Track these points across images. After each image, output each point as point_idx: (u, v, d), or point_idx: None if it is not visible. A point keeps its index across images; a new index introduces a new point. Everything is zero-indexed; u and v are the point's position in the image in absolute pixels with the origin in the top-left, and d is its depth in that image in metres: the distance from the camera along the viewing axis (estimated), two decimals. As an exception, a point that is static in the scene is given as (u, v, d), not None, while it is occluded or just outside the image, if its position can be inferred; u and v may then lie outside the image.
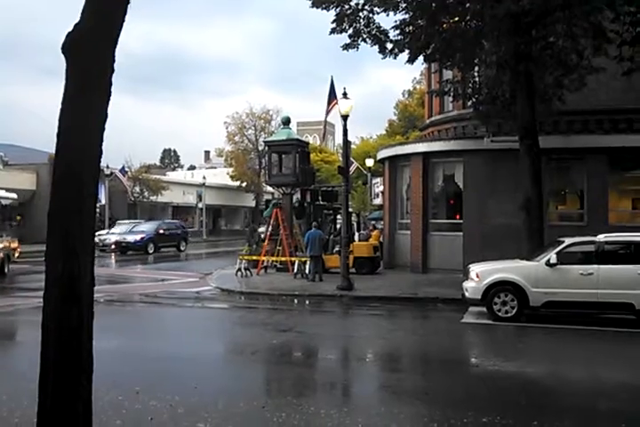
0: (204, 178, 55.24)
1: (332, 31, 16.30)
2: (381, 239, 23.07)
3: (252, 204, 61.06)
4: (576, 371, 8.40)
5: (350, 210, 24.20)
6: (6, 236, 21.31)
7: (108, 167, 40.23)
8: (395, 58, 16.51)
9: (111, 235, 34.01)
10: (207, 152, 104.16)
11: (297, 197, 23.38)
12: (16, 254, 22.68)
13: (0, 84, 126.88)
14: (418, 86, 59.25)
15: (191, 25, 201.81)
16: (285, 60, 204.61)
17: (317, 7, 15.92)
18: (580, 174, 18.88)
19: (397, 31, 16.10)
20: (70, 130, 3.96)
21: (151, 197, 49.66)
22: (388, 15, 16.02)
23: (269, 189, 39.86)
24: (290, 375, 8.31)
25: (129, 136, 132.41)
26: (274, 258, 21.22)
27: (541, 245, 13.98)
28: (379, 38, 16.29)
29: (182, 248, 36.49)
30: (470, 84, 17.62)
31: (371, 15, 16.14)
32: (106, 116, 4.07)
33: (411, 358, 9.90)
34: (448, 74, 20.06)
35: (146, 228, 34.66)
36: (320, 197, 23.61)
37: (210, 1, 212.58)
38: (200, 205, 54.72)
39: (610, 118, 18.83)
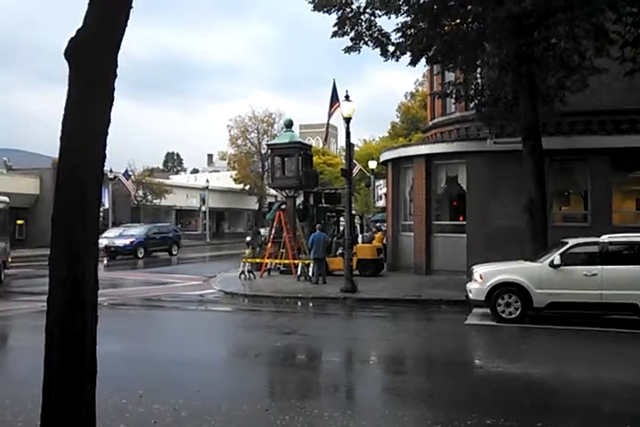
0: (207, 181, 55.26)
1: (334, 34, 16.33)
2: (385, 241, 23.07)
3: (256, 207, 61.08)
4: (580, 372, 8.38)
5: (353, 212, 24.21)
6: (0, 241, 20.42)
7: (111, 171, 40.28)
8: (397, 60, 16.54)
9: (103, 239, 33.41)
10: (210, 155, 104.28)
11: (300, 199, 23.39)
12: (9, 259, 21.70)
13: (1, 90, 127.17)
14: (420, 88, 59.24)
15: (194, 30, 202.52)
16: (287, 63, 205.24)
17: (319, 10, 15.95)
18: (584, 175, 18.85)
19: (399, 34, 16.12)
20: (73, 134, 3.99)
21: (154, 201, 49.70)
22: (389, 18, 16.05)
23: (272, 191, 39.84)
24: (293, 378, 8.31)
25: (132, 140, 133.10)
26: (277, 260, 21.23)
27: (545, 246, 13.96)
28: (380, 41, 16.31)
29: (174, 252, 35.37)
30: (472, 86, 17.63)
31: (372, 18, 16.16)
32: (109, 120, 4.09)
33: (414, 361, 9.90)
34: (450, 76, 20.05)
35: (136, 232, 33.58)
36: (323, 200, 23.61)
37: (212, 6, 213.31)
38: (203, 209, 54.72)
39: (612, 119, 18.80)
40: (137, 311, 15.12)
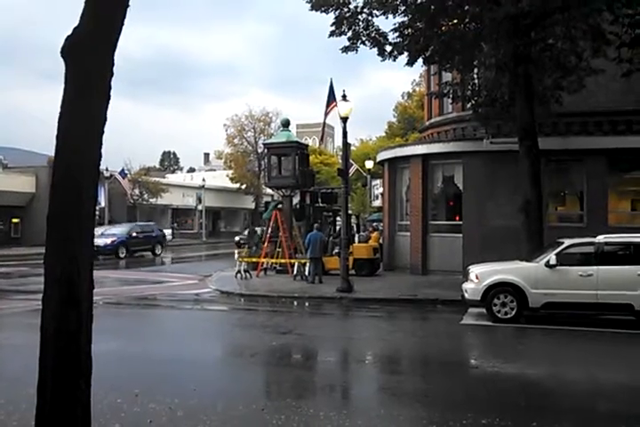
0: (204, 180, 55.27)
1: (332, 34, 16.33)
2: (381, 241, 23.08)
3: (252, 206, 61.09)
4: (575, 372, 8.40)
5: (350, 212, 24.22)
6: None
7: (107, 170, 40.24)
8: (394, 60, 16.57)
9: None
10: (207, 154, 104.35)
11: (296, 199, 23.39)
12: None
13: (0, 89, 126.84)
14: (417, 88, 59.32)
15: (191, 29, 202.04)
16: (285, 62, 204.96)
17: (316, 10, 15.96)
18: (580, 176, 18.90)
19: (396, 34, 16.14)
20: (69, 133, 3.97)
21: (151, 200, 49.68)
22: (387, 18, 16.07)
23: (269, 191, 39.87)
24: (289, 378, 8.30)
25: (128, 139, 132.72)
26: (273, 260, 21.23)
27: (541, 246, 13.99)
28: (378, 41, 16.33)
29: (158, 252, 34.69)
30: (469, 86, 17.66)
31: (370, 18, 16.19)
32: (105, 119, 4.08)
33: (410, 360, 9.90)
34: (447, 76, 20.09)
35: (117, 231, 32.80)
36: (320, 199, 23.63)
37: (209, 5, 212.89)
38: (200, 208, 54.73)
39: (609, 120, 18.84)
40: (132, 310, 15.09)
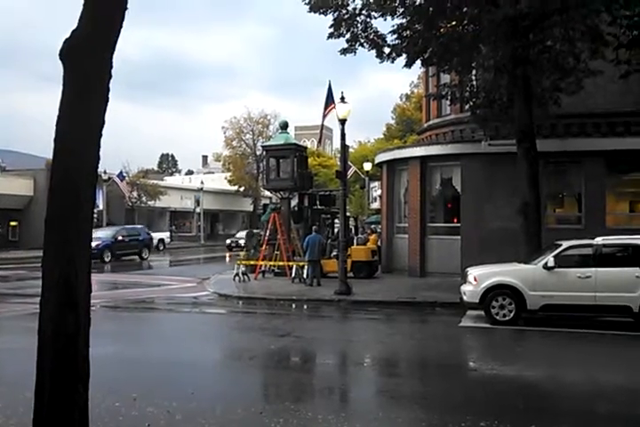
0: (202, 183, 55.24)
1: (330, 36, 16.34)
2: (379, 243, 23.06)
3: (250, 208, 61.06)
4: (574, 374, 8.39)
5: (348, 214, 24.20)
6: None
7: (105, 173, 40.19)
8: (392, 62, 16.58)
9: None
10: (205, 157, 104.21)
11: (295, 201, 23.37)
12: None
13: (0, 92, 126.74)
14: (415, 90, 59.34)
15: (190, 31, 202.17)
16: (283, 65, 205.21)
17: (315, 12, 15.96)
18: (578, 177, 18.91)
19: (395, 35, 16.14)
20: (68, 136, 3.97)
21: (149, 202, 49.65)
22: (385, 20, 16.10)
23: (267, 193, 39.79)
24: (288, 381, 8.29)
25: (127, 141, 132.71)
26: (272, 263, 21.20)
27: (539, 248, 13.98)
28: (376, 43, 16.34)
29: (145, 256, 33.82)
30: (468, 88, 17.65)
31: (368, 20, 16.19)
32: (103, 121, 4.08)
33: (409, 363, 9.89)
34: (446, 78, 20.09)
35: (103, 234, 31.60)
36: (318, 202, 23.62)
37: (208, 7, 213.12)
38: (198, 210, 54.68)
39: (607, 121, 18.86)
40: (130, 314, 15.06)
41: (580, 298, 11.67)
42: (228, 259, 34.51)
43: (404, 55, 16.31)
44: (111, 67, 4.06)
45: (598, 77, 15.17)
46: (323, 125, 21.86)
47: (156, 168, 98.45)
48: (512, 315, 12.08)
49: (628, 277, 11.56)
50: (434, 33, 15.82)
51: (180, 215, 57.99)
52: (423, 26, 15.73)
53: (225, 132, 60.48)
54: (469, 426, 5.96)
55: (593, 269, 11.75)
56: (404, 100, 63.92)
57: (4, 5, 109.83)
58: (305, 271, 19.02)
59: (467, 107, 18.49)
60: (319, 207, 23.81)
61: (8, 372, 8.49)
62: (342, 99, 17.25)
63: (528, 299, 12.00)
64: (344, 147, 18.25)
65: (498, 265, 13.26)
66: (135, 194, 48.57)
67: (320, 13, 15.99)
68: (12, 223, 42.64)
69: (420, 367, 9.48)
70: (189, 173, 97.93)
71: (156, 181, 53.71)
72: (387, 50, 16.37)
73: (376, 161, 25.22)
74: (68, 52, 3.94)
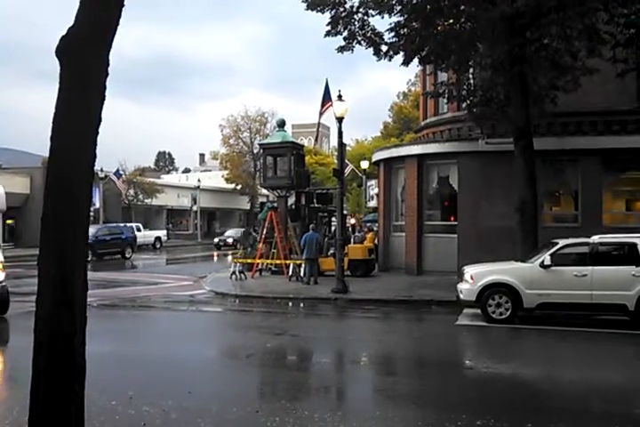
0: (199, 181, 55.18)
1: (327, 34, 16.32)
2: (376, 242, 23.07)
3: (247, 206, 61.04)
4: (570, 373, 8.40)
5: (345, 212, 24.19)
6: None
7: (102, 170, 40.12)
8: (390, 60, 16.55)
9: None
10: (202, 155, 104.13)
11: (292, 199, 23.37)
12: None
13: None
14: (413, 88, 59.34)
15: (187, 29, 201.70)
16: (281, 62, 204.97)
17: (312, 10, 15.95)
18: (575, 176, 18.95)
19: (392, 33, 16.13)
20: (64, 133, 3.95)
21: (146, 200, 49.58)
22: (382, 18, 16.06)
23: (264, 191, 39.78)
24: (284, 379, 8.28)
25: (123, 139, 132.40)
26: (269, 261, 21.20)
27: (535, 246, 14.00)
28: (373, 41, 16.32)
29: (128, 255, 33.07)
30: (465, 86, 17.65)
31: (365, 18, 16.17)
32: (100, 119, 4.06)
33: (405, 361, 9.89)
34: (443, 76, 20.07)
35: None
36: (315, 200, 23.60)
37: (206, 5, 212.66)
38: (195, 208, 54.65)
39: (604, 120, 18.88)
40: (127, 312, 15.04)
41: (576, 296, 11.69)
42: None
43: (402, 53, 16.30)
44: (108, 64, 4.04)
45: (595, 76, 15.16)
46: (319, 123, 21.88)
47: (152, 166, 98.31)
48: (508, 313, 12.10)
49: (624, 276, 11.58)
50: (431, 31, 15.81)
51: (176, 213, 57.97)
52: (420, 24, 15.71)
53: (222, 130, 60.53)
54: (466, 424, 5.96)
55: (589, 267, 11.77)
56: (401, 98, 63.96)
57: (0, 2, 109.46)
58: (302, 269, 19.02)
59: (464, 105, 18.49)
60: (316, 205, 23.79)
61: (3, 370, 8.47)
62: (340, 97, 17.24)
63: (524, 297, 12.02)
64: (341, 145, 18.25)
65: (494, 263, 13.28)
66: (132, 192, 48.50)
67: (317, 11, 15.97)
68: (9, 221, 42.51)
69: (417, 366, 9.49)
70: (186, 171, 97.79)
71: (152, 179, 53.62)
72: (384, 48, 16.36)
73: (373, 159, 25.22)
74: (65, 50, 3.92)
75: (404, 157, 21.41)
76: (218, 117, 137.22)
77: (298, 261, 19.60)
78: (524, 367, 8.72)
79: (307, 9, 15.97)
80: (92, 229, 32.03)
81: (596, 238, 12.07)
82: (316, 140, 57.92)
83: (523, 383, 7.93)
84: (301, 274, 19.03)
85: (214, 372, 8.87)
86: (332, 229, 24.63)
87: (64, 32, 3.93)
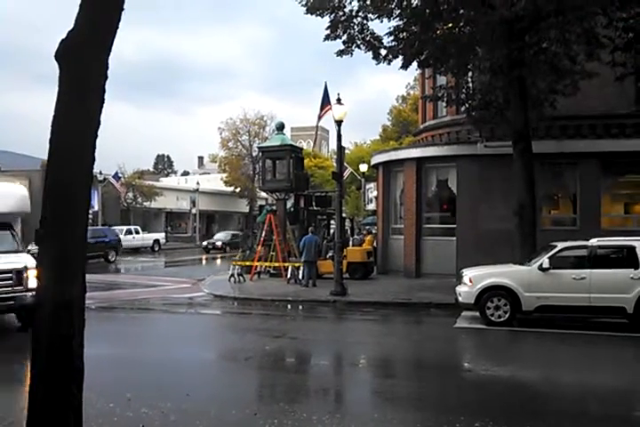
0: (198, 184, 55.18)
1: (327, 37, 16.34)
2: (375, 244, 23.09)
3: (246, 209, 60.99)
4: (568, 375, 8.41)
5: (344, 215, 24.21)
6: None
7: (101, 173, 40.12)
8: (389, 64, 16.56)
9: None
10: (201, 158, 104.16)
11: (291, 202, 23.39)
12: None
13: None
14: (412, 92, 59.36)
15: (186, 32, 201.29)
16: (280, 66, 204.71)
17: (312, 14, 15.96)
18: (573, 179, 18.98)
19: (391, 37, 16.14)
20: (63, 136, 3.96)
21: (144, 203, 49.57)
22: (381, 22, 16.10)
23: (263, 194, 39.85)
24: (283, 382, 8.29)
25: (122, 142, 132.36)
26: (267, 263, 21.20)
27: (534, 249, 14.01)
28: (373, 44, 16.34)
29: (112, 259, 31.85)
30: (464, 90, 17.70)
31: (365, 22, 16.19)
32: (99, 122, 4.07)
33: (404, 364, 9.89)
34: (442, 79, 20.14)
35: None
36: (314, 203, 23.63)
37: (205, 9, 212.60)
38: (193, 211, 54.63)
39: (602, 123, 18.93)
40: (125, 314, 15.03)
41: (574, 299, 11.70)
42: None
43: (401, 57, 16.31)
44: (107, 67, 4.06)
45: (594, 79, 15.21)
46: (318, 127, 21.90)
47: (151, 169, 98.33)
48: (507, 316, 12.11)
49: (623, 279, 11.59)
50: (430, 35, 15.84)
51: (175, 216, 57.92)
52: (419, 28, 15.73)
53: (221, 134, 60.47)
54: (464, 427, 5.97)
55: (588, 270, 11.78)
56: (400, 101, 63.97)
57: (0, 5, 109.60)
58: (301, 272, 19.03)
59: (463, 108, 18.52)
60: (315, 208, 23.81)
61: (2, 372, 8.46)
62: (339, 100, 17.27)
63: (523, 300, 12.02)
64: (340, 148, 18.28)
65: (493, 266, 13.29)
66: (131, 195, 48.49)
67: (317, 15, 16.00)
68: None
69: (416, 368, 9.49)
70: (185, 173, 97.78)
71: (151, 182, 53.60)
72: (383, 52, 16.37)
73: (372, 162, 25.25)
74: (64, 53, 3.94)
75: (402, 160, 21.44)
76: (217, 120, 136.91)
77: (296, 264, 19.60)
78: (523, 370, 8.73)
79: (306, 13, 15.99)
80: None
81: (594, 241, 12.08)
82: (314, 143, 58.00)
83: (521, 386, 7.94)
84: (300, 277, 19.03)
85: (213, 374, 8.87)
86: (331, 231, 24.65)
87: (64, 36, 3.95)
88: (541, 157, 16.73)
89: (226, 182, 59.43)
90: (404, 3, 15.61)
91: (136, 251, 39.66)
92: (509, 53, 14.04)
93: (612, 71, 14.98)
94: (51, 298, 3.90)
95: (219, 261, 34.42)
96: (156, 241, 43.11)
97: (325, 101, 18.82)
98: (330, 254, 19.88)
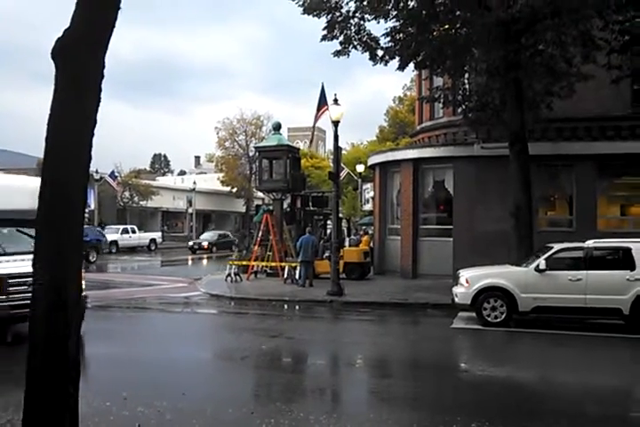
0: (195, 183, 55.18)
1: (324, 38, 16.35)
2: (372, 245, 23.09)
3: (243, 209, 61.02)
4: (564, 376, 8.42)
5: (340, 215, 24.22)
6: None
7: (97, 172, 40.07)
8: (385, 65, 16.58)
9: None
10: (197, 157, 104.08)
11: (287, 202, 23.39)
12: None
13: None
14: (408, 93, 59.45)
15: (183, 32, 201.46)
16: (277, 66, 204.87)
17: (309, 14, 15.97)
18: (569, 181, 19.01)
19: (388, 38, 16.17)
20: (59, 135, 3.96)
21: (141, 202, 49.53)
22: (378, 22, 16.10)
23: (260, 194, 39.77)
24: (279, 381, 8.29)
25: (119, 141, 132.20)
26: (264, 263, 21.20)
27: (530, 250, 14.04)
28: (369, 45, 16.36)
29: (92, 259, 30.75)
30: (460, 91, 17.73)
31: (361, 22, 16.20)
32: (95, 121, 4.07)
33: (400, 364, 9.90)
34: (438, 81, 20.16)
35: None
36: (310, 203, 23.62)
37: (202, 8, 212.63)
38: (190, 211, 54.62)
39: (598, 125, 18.98)
40: (122, 313, 15.00)
41: (570, 300, 11.72)
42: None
43: (397, 58, 16.33)
44: (104, 66, 4.05)
45: (590, 82, 15.24)
46: (314, 127, 21.86)
47: (148, 168, 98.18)
48: (503, 317, 12.13)
49: (619, 280, 11.62)
50: (427, 36, 15.85)
51: (172, 215, 57.92)
52: (416, 29, 15.76)
53: (218, 133, 60.47)
54: (459, 427, 5.98)
55: (584, 271, 11.81)
56: (396, 102, 64.01)
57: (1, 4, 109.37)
58: (297, 272, 19.03)
59: (459, 110, 18.55)
60: (312, 208, 23.80)
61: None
62: (335, 101, 17.28)
63: (519, 301, 12.04)
64: (337, 148, 18.28)
65: (489, 267, 13.31)
66: (127, 194, 48.44)
67: (314, 16, 16.00)
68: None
69: (412, 368, 9.49)
70: (182, 173, 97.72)
71: (148, 182, 53.58)
72: (380, 52, 16.38)
73: (369, 163, 25.27)
74: (61, 52, 3.94)
75: (399, 160, 21.45)
76: (214, 120, 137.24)
77: (293, 264, 19.60)
78: (519, 371, 8.75)
79: (303, 13, 16.00)
80: None
81: (590, 243, 12.11)
82: (310, 143, 57.93)
83: (517, 386, 7.96)
84: (297, 276, 19.03)
85: (209, 373, 8.86)
86: (328, 231, 24.65)
87: (61, 34, 3.95)
88: (537, 159, 16.75)
89: (222, 182, 59.45)
90: (401, 4, 15.63)
91: (132, 250, 39.64)
92: (506, 55, 14.07)
93: (608, 74, 15.03)
94: (46, 298, 3.89)
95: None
96: (153, 240, 43.11)
97: (322, 102, 18.82)
98: (326, 254, 19.88)
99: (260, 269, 21.71)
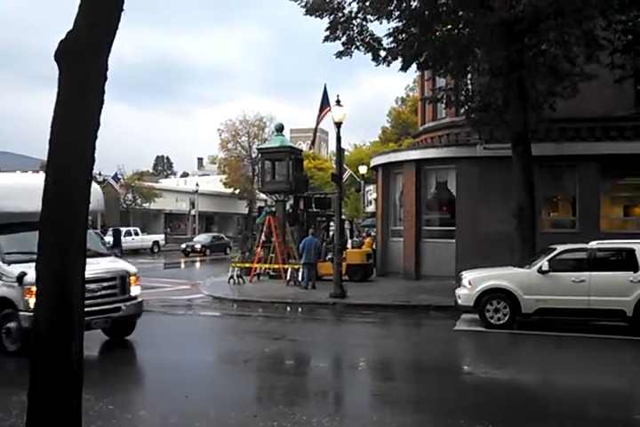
0: (197, 185, 55.20)
1: (326, 39, 16.35)
2: (374, 246, 23.07)
3: (245, 211, 61.00)
4: (568, 378, 8.39)
5: (343, 217, 24.21)
6: None
7: (100, 174, 40.10)
8: (388, 65, 16.57)
9: None
10: (200, 159, 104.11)
11: (290, 204, 23.39)
12: None
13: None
14: (411, 94, 59.44)
15: (186, 33, 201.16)
16: (280, 67, 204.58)
17: (311, 15, 15.97)
18: (572, 181, 18.97)
19: (391, 39, 16.17)
20: (62, 137, 3.95)
21: (144, 205, 49.54)
22: (381, 23, 16.10)
23: (262, 196, 39.78)
24: (282, 384, 8.26)
25: (122, 143, 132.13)
26: (267, 265, 21.18)
27: (533, 252, 14.00)
28: (372, 46, 16.35)
29: None
30: (463, 92, 17.69)
31: (364, 23, 16.20)
32: (98, 123, 4.06)
33: (403, 366, 9.87)
34: (441, 81, 20.13)
35: None
36: (313, 205, 23.62)
37: (205, 10, 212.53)
38: (193, 212, 54.63)
39: (601, 126, 18.92)
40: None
41: (574, 302, 11.68)
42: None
43: (400, 59, 16.31)
44: (107, 68, 4.05)
45: (593, 82, 15.20)
46: (317, 128, 21.86)
47: (151, 170, 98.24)
48: (506, 318, 12.09)
49: (622, 282, 11.57)
50: (429, 36, 15.85)
51: (175, 217, 57.92)
52: (419, 29, 15.75)
53: (220, 135, 60.54)
54: (463, 430, 5.95)
55: (587, 273, 11.76)
56: (399, 103, 64.02)
57: (0, 6, 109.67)
58: (300, 274, 19.01)
59: (462, 110, 18.52)
60: (314, 210, 23.79)
61: (1, 374, 8.45)
62: (338, 102, 17.25)
63: (522, 303, 12.00)
64: (339, 150, 18.26)
65: (492, 269, 13.26)
66: (130, 196, 48.47)
67: (316, 16, 16.00)
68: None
69: (415, 371, 9.47)
70: (185, 175, 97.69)
71: (151, 184, 53.60)
72: (382, 53, 16.37)
73: (371, 164, 25.25)
74: (64, 54, 3.93)
75: (402, 162, 21.43)
76: (216, 122, 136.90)
77: (296, 266, 19.59)
78: (522, 373, 8.71)
79: (305, 14, 16.00)
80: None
81: (593, 244, 12.07)
82: (312, 144, 57.90)
83: (521, 389, 7.92)
84: (299, 278, 19.01)
85: (212, 376, 8.85)
86: (330, 233, 24.63)
87: (63, 36, 3.94)
88: (540, 160, 16.71)
89: (225, 184, 59.46)
90: (404, 4, 15.63)
91: (135, 252, 39.62)
92: (508, 55, 14.04)
93: (611, 73, 15.00)
94: (51, 300, 3.89)
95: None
96: (156, 242, 43.13)
97: (325, 103, 18.82)
98: (329, 256, 19.86)
99: (263, 272, 21.69)
